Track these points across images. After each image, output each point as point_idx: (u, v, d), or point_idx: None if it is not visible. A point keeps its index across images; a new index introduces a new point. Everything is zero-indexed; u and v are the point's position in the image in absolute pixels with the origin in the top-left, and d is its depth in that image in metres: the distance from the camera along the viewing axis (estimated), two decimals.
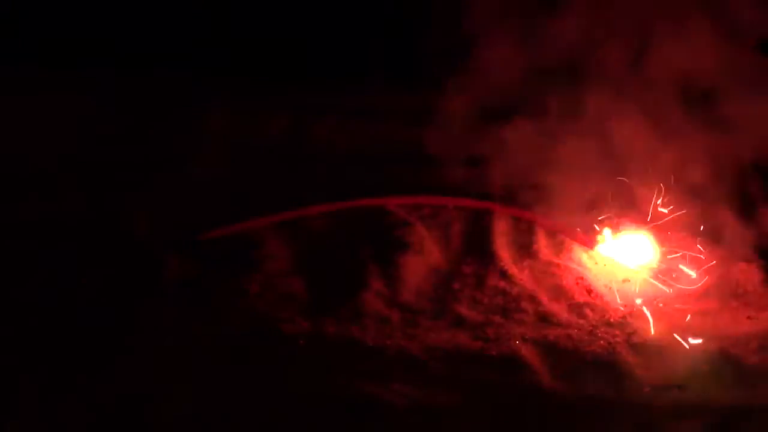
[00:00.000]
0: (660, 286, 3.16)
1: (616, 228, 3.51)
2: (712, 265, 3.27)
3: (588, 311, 2.98)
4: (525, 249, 3.44)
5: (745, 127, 3.67)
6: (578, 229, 3.52)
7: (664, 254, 3.40)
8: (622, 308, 2.99)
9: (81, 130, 4.55)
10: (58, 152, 4.27)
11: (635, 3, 3.63)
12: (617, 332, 2.80)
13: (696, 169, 3.50)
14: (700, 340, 2.77)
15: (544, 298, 3.06)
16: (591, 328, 2.84)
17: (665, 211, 3.55)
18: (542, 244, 3.45)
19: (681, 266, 3.27)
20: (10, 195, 3.83)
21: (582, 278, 3.20)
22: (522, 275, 3.21)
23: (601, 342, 2.74)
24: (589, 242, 3.48)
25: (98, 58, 5.07)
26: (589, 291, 3.12)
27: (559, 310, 2.99)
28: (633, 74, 3.53)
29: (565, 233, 3.53)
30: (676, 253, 3.38)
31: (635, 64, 3.54)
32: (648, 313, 2.95)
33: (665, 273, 3.25)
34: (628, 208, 3.54)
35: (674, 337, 2.79)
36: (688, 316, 2.95)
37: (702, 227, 3.50)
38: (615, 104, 3.53)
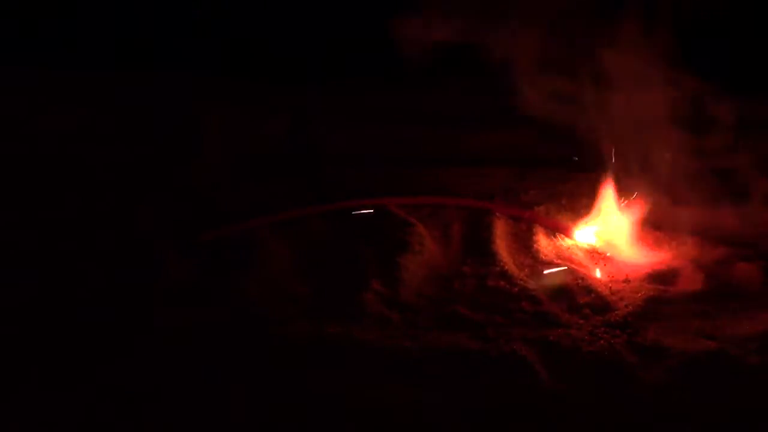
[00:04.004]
0: (660, 286, 3.16)
1: (617, 228, 3.52)
2: (712, 265, 3.27)
3: (588, 311, 2.98)
4: (525, 249, 3.44)
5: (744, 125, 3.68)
6: (578, 229, 3.53)
7: (664, 254, 3.40)
8: (622, 308, 2.98)
9: (81, 130, 4.55)
10: (58, 152, 4.28)
11: None
12: (617, 332, 2.80)
13: (695, 167, 3.51)
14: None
15: (544, 298, 3.06)
16: (591, 328, 2.83)
17: (665, 211, 3.55)
18: (542, 244, 3.45)
19: (681, 266, 3.27)
20: (10, 195, 3.83)
21: (582, 278, 3.20)
22: (522, 275, 3.20)
23: (601, 342, 2.73)
24: (589, 242, 3.48)
25: (98, 58, 5.07)
26: (589, 291, 3.11)
27: (559, 310, 2.99)
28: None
29: (565, 233, 3.54)
30: (677, 253, 3.38)
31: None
32: (648, 313, 2.95)
33: (665, 273, 3.25)
34: (628, 208, 3.54)
35: (674, 336, 2.79)
36: (689, 316, 2.94)
37: (702, 227, 3.50)
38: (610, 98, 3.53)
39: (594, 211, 3.57)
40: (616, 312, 2.95)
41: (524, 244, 3.47)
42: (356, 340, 2.74)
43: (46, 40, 5.18)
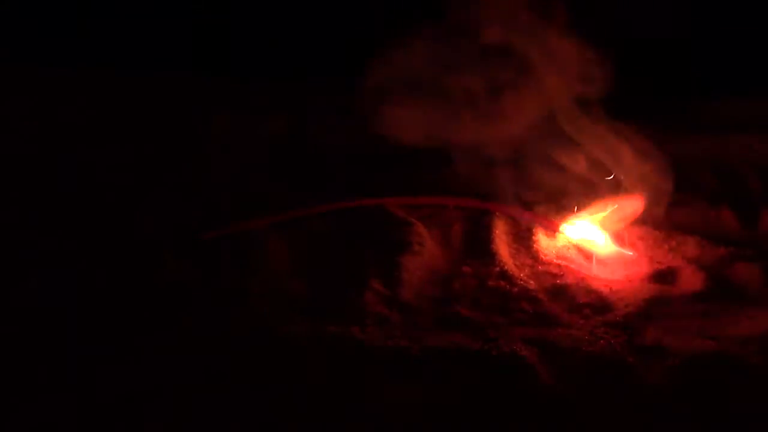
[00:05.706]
0: (660, 286, 3.16)
1: (617, 228, 3.52)
2: (712, 265, 3.27)
3: (588, 311, 2.98)
4: (525, 249, 3.44)
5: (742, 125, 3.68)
6: (578, 229, 3.53)
7: (664, 254, 3.40)
8: (622, 308, 2.98)
9: (81, 130, 4.55)
10: (58, 152, 4.28)
11: None
12: (617, 332, 2.80)
13: (694, 168, 3.51)
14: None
15: (544, 298, 3.06)
16: (591, 328, 2.83)
17: (665, 211, 3.55)
18: (542, 244, 3.46)
19: (681, 266, 3.27)
20: (11, 195, 3.83)
21: (582, 278, 3.20)
22: (522, 275, 3.20)
23: (601, 342, 2.73)
24: (589, 242, 3.49)
25: (98, 58, 5.07)
26: (589, 291, 3.11)
27: (559, 310, 2.99)
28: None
29: (565, 232, 3.54)
30: (676, 253, 3.38)
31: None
32: (648, 313, 2.95)
33: (665, 273, 3.25)
34: (629, 208, 3.54)
35: (674, 336, 2.78)
36: (689, 316, 2.94)
37: (702, 228, 3.50)
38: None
39: (594, 211, 3.57)
40: (616, 312, 2.95)
41: (524, 244, 3.47)
42: (356, 340, 2.74)
43: (46, 39, 5.17)
